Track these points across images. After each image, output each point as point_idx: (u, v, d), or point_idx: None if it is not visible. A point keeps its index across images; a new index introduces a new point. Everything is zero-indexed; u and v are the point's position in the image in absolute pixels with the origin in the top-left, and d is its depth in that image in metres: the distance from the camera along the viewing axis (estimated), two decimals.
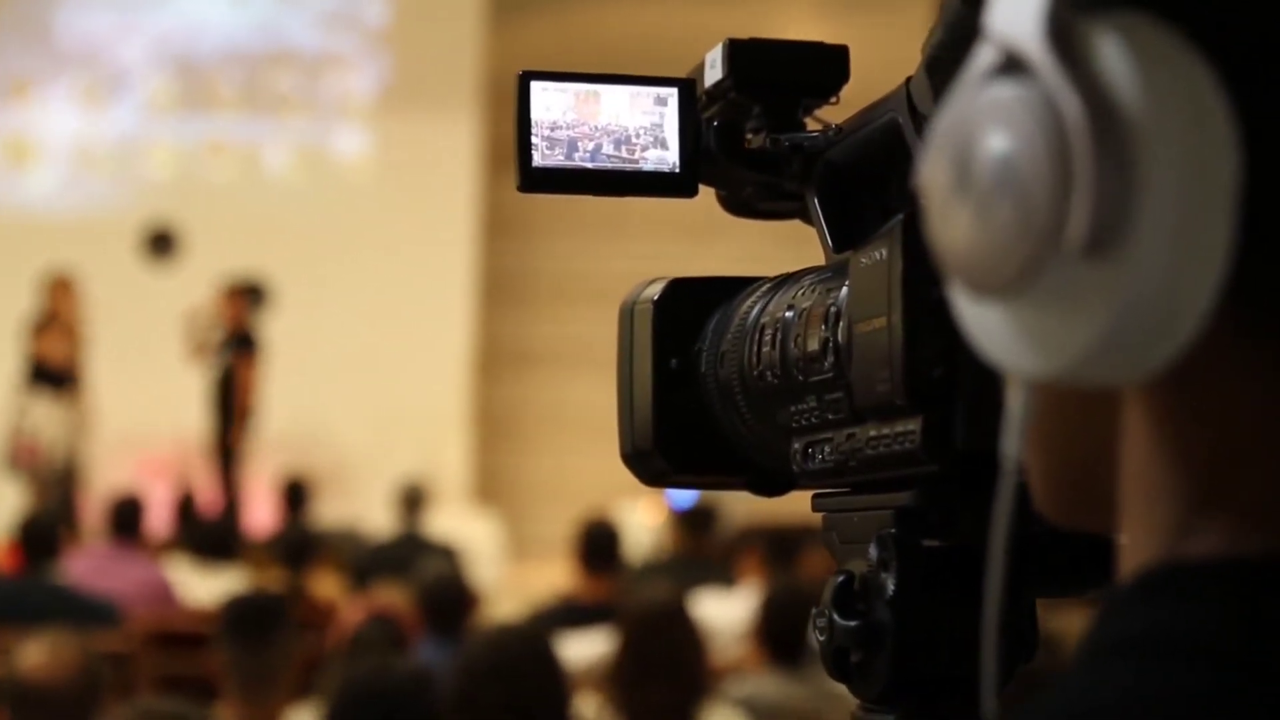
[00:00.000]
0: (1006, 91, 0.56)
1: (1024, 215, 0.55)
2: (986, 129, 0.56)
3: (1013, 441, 0.59)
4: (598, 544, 6.01)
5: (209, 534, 7.78)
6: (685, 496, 8.06)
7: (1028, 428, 0.60)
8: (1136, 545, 0.60)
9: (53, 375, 10.17)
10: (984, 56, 0.57)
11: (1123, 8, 0.55)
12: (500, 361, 12.58)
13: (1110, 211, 0.53)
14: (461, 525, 10.03)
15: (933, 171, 0.59)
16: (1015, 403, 0.58)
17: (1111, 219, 0.53)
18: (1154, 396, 0.59)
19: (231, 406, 10.61)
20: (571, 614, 5.51)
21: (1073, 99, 0.54)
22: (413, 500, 8.56)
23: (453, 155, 12.16)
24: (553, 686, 3.33)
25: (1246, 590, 0.56)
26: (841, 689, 0.95)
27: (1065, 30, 0.54)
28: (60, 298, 10.33)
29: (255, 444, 10.86)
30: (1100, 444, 0.61)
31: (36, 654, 3.59)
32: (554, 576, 7.84)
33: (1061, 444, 0.63)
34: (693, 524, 7.44)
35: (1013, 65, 0.56)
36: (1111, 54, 0.54)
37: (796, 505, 1.10)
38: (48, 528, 6.30)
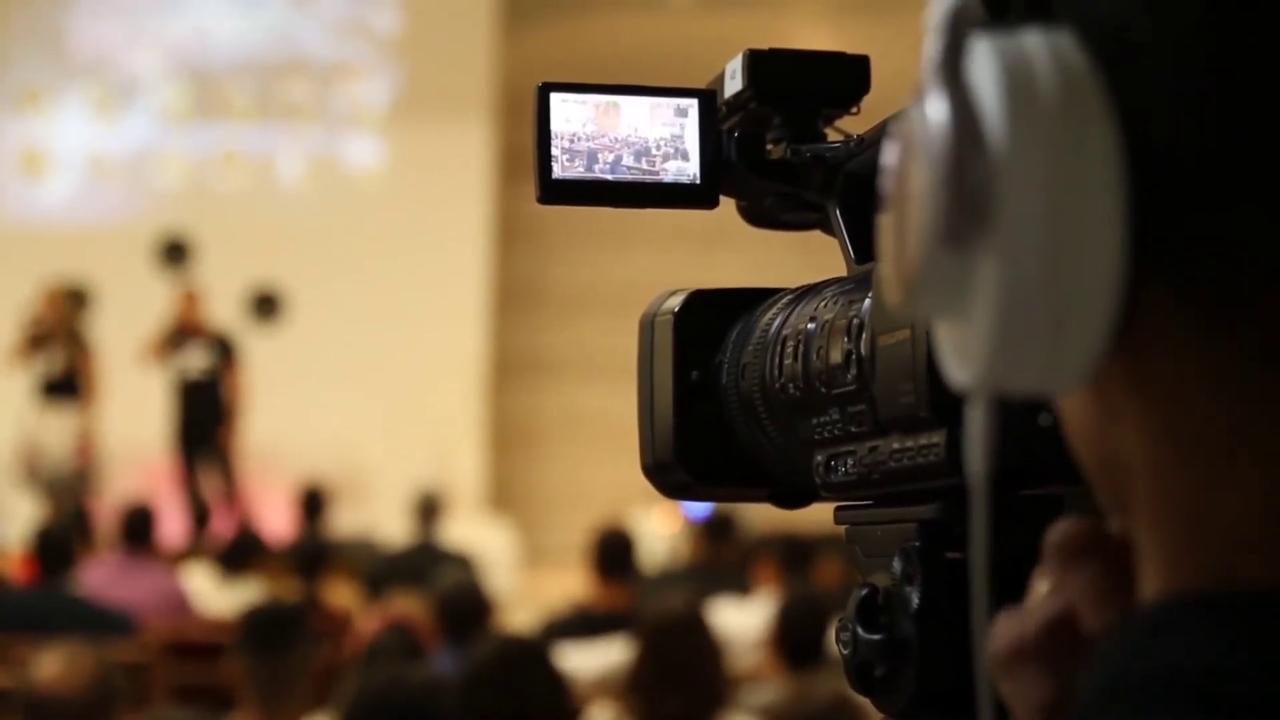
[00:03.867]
0: (916, 112, 0.57)
1: (906, 219, 0.56)
2: (904, 152, 0.57)
3: (975, 457, 0.57)
4: (613, 552, 6.00)
5: (226, 544, 7.79)
6: (701, 506, 8.04)
7: (1066, 438, 0.60)
8: (1146, 567, 0.59)
9: (57, 386, 10.20)
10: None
11: (1009, 21, 0.56)
12: (514, 370, 12.58)
13: (970, 201, 0.53)
14: (476, 534, 10.03)
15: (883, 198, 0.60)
16: (974, 417, 0.57)
17: (972, 207, 0.54)
18: (1141, 413, 0.57)
19: (219, 409, 10.65)
20: (587, 623, 5.50)
21: (942, 108, 0.55)
22: (427, 509, 8.56)
23: (465, 164, 12.17)
24: (555, 696, 3.34)
25: (1252, 628, 0.54)
26: (861, 699, 0.95)
27: (955, 49, 0.55)
28: (54, 309, 10.32)
29: (247, 448, 10.90)
30: (1124, 461, 0.60)
31: (52, 665, 3.60)
32: (569, 585, 7.84)
33: (1094, 462, 0.62)
34: (712, 533, 7.43)
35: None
36: (981, 61, 0.55)
37: (813, 514, 1.09)
38: (62, 539, 6.31)
